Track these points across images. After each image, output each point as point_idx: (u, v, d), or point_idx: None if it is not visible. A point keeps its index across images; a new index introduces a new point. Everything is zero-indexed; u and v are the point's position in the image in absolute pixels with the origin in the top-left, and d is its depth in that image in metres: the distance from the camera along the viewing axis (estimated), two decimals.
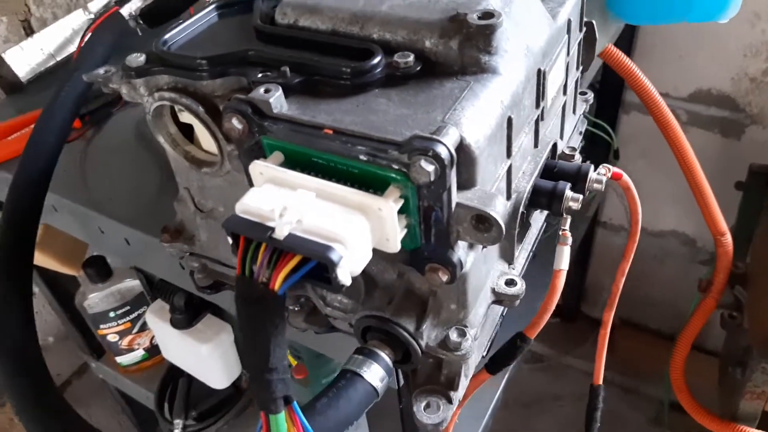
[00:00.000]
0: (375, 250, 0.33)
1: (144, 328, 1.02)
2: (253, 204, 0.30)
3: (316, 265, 0.29)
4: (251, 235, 0.30)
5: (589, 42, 0.50)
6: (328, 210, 0.30)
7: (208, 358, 0.90)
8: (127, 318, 0.99)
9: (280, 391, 0.30)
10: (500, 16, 0.34)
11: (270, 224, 0.30)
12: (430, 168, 0.29)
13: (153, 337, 1.04)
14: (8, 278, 0.50)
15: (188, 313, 0.89)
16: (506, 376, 0.83)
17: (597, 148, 1.03)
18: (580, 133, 0.56)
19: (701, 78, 1.08)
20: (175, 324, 0.90)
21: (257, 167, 0.33)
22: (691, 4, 0.51)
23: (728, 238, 0.79)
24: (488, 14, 0.34)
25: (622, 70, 0.68)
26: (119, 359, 1.06)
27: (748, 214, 0.95)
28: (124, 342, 1.03)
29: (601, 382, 0.61)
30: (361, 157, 0.31)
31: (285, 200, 0.30)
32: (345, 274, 0.29)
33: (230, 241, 0.31)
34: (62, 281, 1.01)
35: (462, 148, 0.31)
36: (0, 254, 0.50)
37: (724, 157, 1.12)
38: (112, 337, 1.01)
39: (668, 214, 1.28)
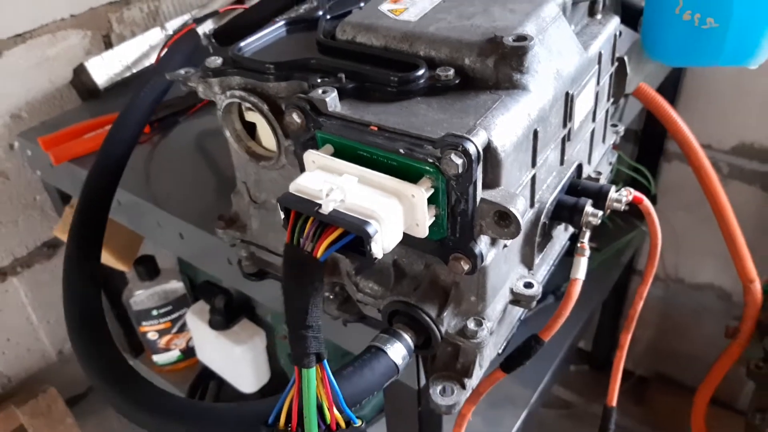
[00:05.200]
0: (406, 241, 0.37)
1: (182, 329, 1.07)
2: (305, 184, 0.35)
3: (353, 238, 0.34)
4: (301, 209, 0.34)
5: (620, 76, 0.54)
6: (368, 193, 0.35)
7: (241, 360, 0.95)
8: (168, 318, 1.05)
9: (314, 347, 0.34)
10: (532, 40, 0.39)
11: (318, 201, 0.34)
12: (459, 161, 0.33)
13: (189, 340, 1.09)
14: (85, 257, 0.55)
15: (226, 315, 0.94)
16: (525, 413, 0.83)
17: None
18: (610, 163, 0.60)
19: (745, 131, 1.08)
20: (213, 324, 0.95)
21: (310, 156, 0.38)
22: (721, 48, 0.54)
23: (757, 286, 0.80)
24: (522, 38, 0.39)
25: (661, 115, 0.71)
26: (156, 358, 1.11)
27: None
28: (163, 341, 1.08)
29: (614, 404, 0.62)
30: (401, 150, 0.36)
31: (332, 183, 0.35)
32: (378, 248, 0.33)
33: (282, 215, 0.36)
34: (113, 279, 1.08)
35: (489, 149, 0.36)
36: (75, 235, 0.56)
37: (765, 212, 1.12)
38: (152, 335, 1.07)
39: (706, 268, 1.27)
